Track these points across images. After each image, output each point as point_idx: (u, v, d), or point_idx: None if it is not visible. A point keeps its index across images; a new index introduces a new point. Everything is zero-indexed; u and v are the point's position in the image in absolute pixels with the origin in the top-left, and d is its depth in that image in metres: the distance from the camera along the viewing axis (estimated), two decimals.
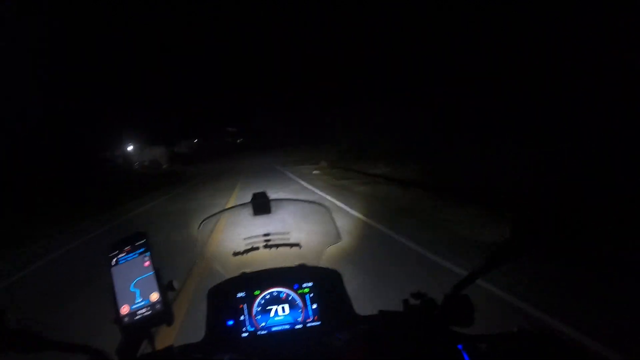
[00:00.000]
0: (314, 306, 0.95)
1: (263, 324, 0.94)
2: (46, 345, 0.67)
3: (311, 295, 0.97)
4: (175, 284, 0.81)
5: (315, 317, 0.94)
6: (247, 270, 1.08)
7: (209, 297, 0.98)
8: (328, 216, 1.13)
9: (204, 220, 1.14)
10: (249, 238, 1.13)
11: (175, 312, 0.80)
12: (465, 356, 0.62)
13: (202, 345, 0.89)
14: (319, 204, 1.14)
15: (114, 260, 0.80)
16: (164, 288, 0.78)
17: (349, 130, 21.93)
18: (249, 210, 1.11)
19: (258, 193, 1.10)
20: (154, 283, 0.77)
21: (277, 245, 1.11)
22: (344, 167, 15.53)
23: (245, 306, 0.95)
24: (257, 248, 1.12)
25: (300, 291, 0.97)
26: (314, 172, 15.33)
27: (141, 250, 0.81)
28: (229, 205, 1.18)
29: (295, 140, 40.75)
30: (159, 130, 46.59)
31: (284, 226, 1.14)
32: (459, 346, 0.64)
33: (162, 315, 0.75)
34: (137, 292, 0.77)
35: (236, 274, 1.07)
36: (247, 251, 1.12)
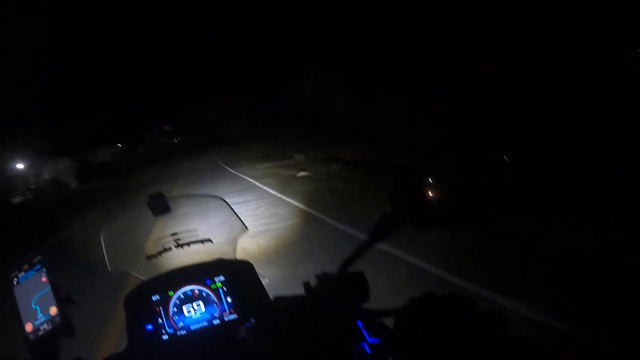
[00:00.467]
0: (229, 299, 0.97)
1: (181, 324, 0.95)
2: None
3: (224, 289, 0.98)
4: (74, 296, 0.83)
5: (232, 310, 0.95)
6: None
7: (126, 305, 0.98)
8: (228, 209, 1.18)
9: (104, 228, 1.13)
10: (157, 240, 1.14)
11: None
12: (365, 332, 0.63)
13: (125, 354, 0.90)
14: (217, 197, 1.18)
15: (15, 280, 0.82)
16: (62, 300, 0.80)
17: (308, 110, 19.84)
18: (148, 212, 1.11)
19: (153, 194, 1.10)
20: (52, 297, 0.79)
21: (188, 243, 1.13)
22: (329, 157, 11.88)
23: (161, 309, 0.95)
24: (170, 248, 1.13)
25: (213, 286, 0.98)
26: (300, 174, 10.63)
27: (37, 267, 0.82)
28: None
29: (249, 130, 31.98)
30: (67, 137, 35.69)
31: (190, 224, 1.16)
32: (359, 322, 0.65)
33: (62, 328, 0.77)
34: (38, 309, 0.78)
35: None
36: (159, 253, 1.13)
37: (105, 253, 1.08)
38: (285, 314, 0.77)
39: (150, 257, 1.12)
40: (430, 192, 0.67)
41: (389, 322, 0.64)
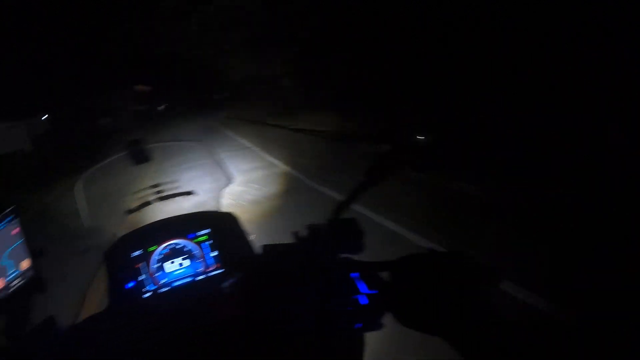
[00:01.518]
0: (214, 253, 0.92)
1: (164, 280, 0.89)
2: None
3: (209, 242, 0.92)
4: (46, 250, 0.78)
5: (218, 265, 0.91)
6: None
7: (105, 261, 0.92)
8: (214, 158, 1.11)
9: (78, 179, 1.05)
10: (137, 192, 1.07)
11: None
12: (359, 284, 0.60)
13: (106, 313, 0.85)
14: (201, 143, 1.10)
15: None
16: (35, 254, 0.76)
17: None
18: (129, 162, 1.03)
19: (132, 140, 1.02)
20: (24, 250, 0.74)
21: (170, 196, 1.07)
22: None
23: (142, 265, 0.89)
24: (150, 202, 1.07)
25: (196, 240, 0.92)
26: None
27: (8, 219, 0.75)
28: None
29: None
30: None
31: (172, 175, 1.10)
32: (353, 274, 0.62)
33: (34, 283, 0.73)
34: (10, 264, 0.73)
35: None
36: (140, 207, 1.06)
37: (78, 206, 1.01)
38: (272, 266, 0.72)
39: (130, 212, 1.06)
40: None
41: (385, 275, 0.60)
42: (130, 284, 0.88)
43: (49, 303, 0.76)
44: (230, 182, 1.10)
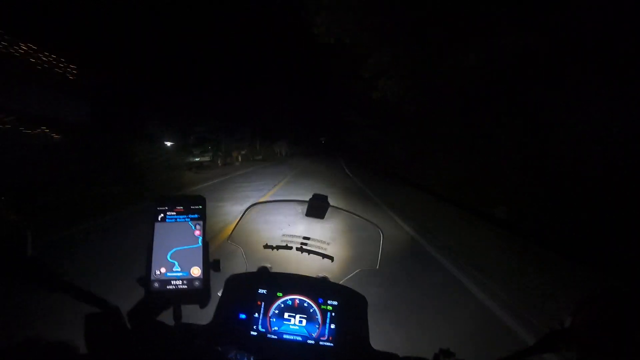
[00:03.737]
0: (332, 326, 0.90)
1: (276, 328, 0.89)
2: (64, 285, 0.61)
3: (333, 314, 0.91)
4: (220, 266, 0.74)
5: (330, 338, 0.89)
6: (267, 265, 1.04)
7: (227, 284, 0.94)
8: (378, 242, 1.08)
9: (253, 205, 1.11)
10: (287, 236, 1.09)
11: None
12: None
13: (207, 330, 0.85)
14: (376, 226, 1.08)
15: (161, 215, 0.71)
16: (208, 266, 0.69)
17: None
18: (301, 209, 1.06)
19: (319, 195, 1.05)
20: (198, 256, 0.68)
21: (310, 252, 1.07)
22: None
23: (263, 304, 0.91)
24: (290, 248, 1.08)
25: (323, 307, 0.92)
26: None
27: (195, 216, 0.71)
28: None
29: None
30: None
31: (328, 235, 1.09)
32: None
33: (199, 294, 0.67)
34: (175, 263, 0.68)
35: (256, 265, 1.03)
36: (279, 247, 1.08)
37: (235, 225, 1.06)
38: None
39: (267, 247, 1.08)
40: None
41: None
42: (243, 316, 0.89)
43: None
44: (374, 267, 1.04)
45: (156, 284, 0.66)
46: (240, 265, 1.04)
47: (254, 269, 1.02)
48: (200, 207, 0.72)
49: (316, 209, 1.03)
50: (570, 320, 0.53)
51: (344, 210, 1.08)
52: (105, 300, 0.64)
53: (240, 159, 23.07)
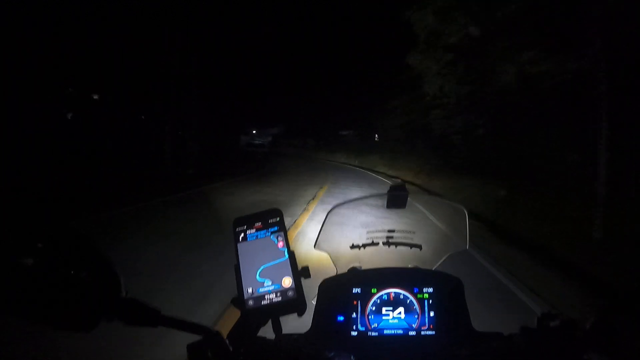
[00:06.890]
0: (431, 314, 0.89)
1: (375, 324, 0.89)
2: (158, 320, 0.60)
3: (430, 301, 0.90)
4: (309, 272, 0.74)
5: (431, 326, 0.88)
6: (356, 264, 1.04)
7: (321, 289, 0.95)
8: (464, 220, 1.00)
9: (335, 207, 1.08)
10: (371, 232, 1.07)
11: None
12: None
13: (309, 337, 0.86)
14: (457, 205, 1.01)
15: (241, 235, 0.71)
16: (298, 274, 0.69)
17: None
18: (380, 202, 1.03)
19: (396, 185, 1.02)
20: (286, 267, 0.68)
21: (397, 244, 1.04)
22: None
23: (359, 303, 0.90)
24: (377, 243, 1.06)
25: (419, 296, 0.91)
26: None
27: (274, 229, 0.71)
28: None
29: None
30: None
31: (410, 224, 1.05)
32: None
33: (294, 303, 0.66)
34: (265, 280, 0.68)
35: (345, 266, 1.03)
36: (365, 245, 1.07)
37: (320, 231, 1.07)
38: (486, 343, 0.74)
39: (354, 247, 1.08)
40: None
41: None
42: (341, 318, 0.90)
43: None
44: (464, 246, 0.98)
45: (251, 302, 0.67)
46: (330, 269, 1.04)
47: (344, 271, 1.02)
48: (278, 219, 0.72)
49: (397, 199, 1.00)
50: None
51: (422, 194, 1.03)
52: (206, 327, 0.65)
53: None
